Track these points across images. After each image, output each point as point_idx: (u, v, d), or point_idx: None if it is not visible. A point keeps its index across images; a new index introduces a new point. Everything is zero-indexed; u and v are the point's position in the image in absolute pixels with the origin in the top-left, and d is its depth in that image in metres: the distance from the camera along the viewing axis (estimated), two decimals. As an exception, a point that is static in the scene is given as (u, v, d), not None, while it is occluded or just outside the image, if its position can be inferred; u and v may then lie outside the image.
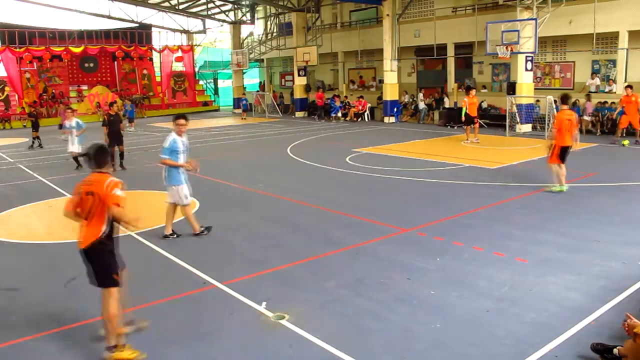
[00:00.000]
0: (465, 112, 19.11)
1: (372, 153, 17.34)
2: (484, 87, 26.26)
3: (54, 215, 11.17)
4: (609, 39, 21.44)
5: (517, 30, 20.63)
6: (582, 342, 4.98)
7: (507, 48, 21.02)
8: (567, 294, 6.15)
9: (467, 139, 19.12)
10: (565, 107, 11.05)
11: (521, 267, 7.04)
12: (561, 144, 10.89)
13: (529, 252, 7.54)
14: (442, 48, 26.35)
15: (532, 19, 20.76)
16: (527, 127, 21.98)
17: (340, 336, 5.34)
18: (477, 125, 19.40)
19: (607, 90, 21.31)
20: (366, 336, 5.37)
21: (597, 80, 21.97)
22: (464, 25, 25.43)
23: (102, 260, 5.08)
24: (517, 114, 21.68)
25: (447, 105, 26.25)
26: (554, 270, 6.86)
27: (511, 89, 22.39)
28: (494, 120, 23.60)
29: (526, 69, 21.86)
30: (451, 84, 26.73)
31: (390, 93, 27.78)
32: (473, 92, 19.70)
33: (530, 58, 21.75)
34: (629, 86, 18.24)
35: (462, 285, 6.49)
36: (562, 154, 10.95)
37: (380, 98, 29.26)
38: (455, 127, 23.92)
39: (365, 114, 29.17)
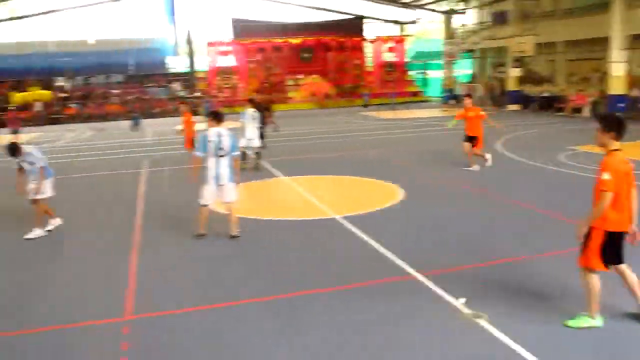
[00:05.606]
0: None
1: (591, 153, 15.80)
2: None
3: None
4: None
5: None
6: None
7: None
8: None
9: None
10: None
11: None
12: None
13: None
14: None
15: None
16: None
17: (540, 343, 5.01)
18: None
19: None
20: (568, 345, 4.99)
21: None
22: None
23: None
24: None
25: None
26: None
27: None
28: None
29: None
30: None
31: (616, 86, 25.11)
32: None
33: None
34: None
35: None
36: None
37: (603, 92, 26.60)
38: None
39: (586, 108, 26.77)
